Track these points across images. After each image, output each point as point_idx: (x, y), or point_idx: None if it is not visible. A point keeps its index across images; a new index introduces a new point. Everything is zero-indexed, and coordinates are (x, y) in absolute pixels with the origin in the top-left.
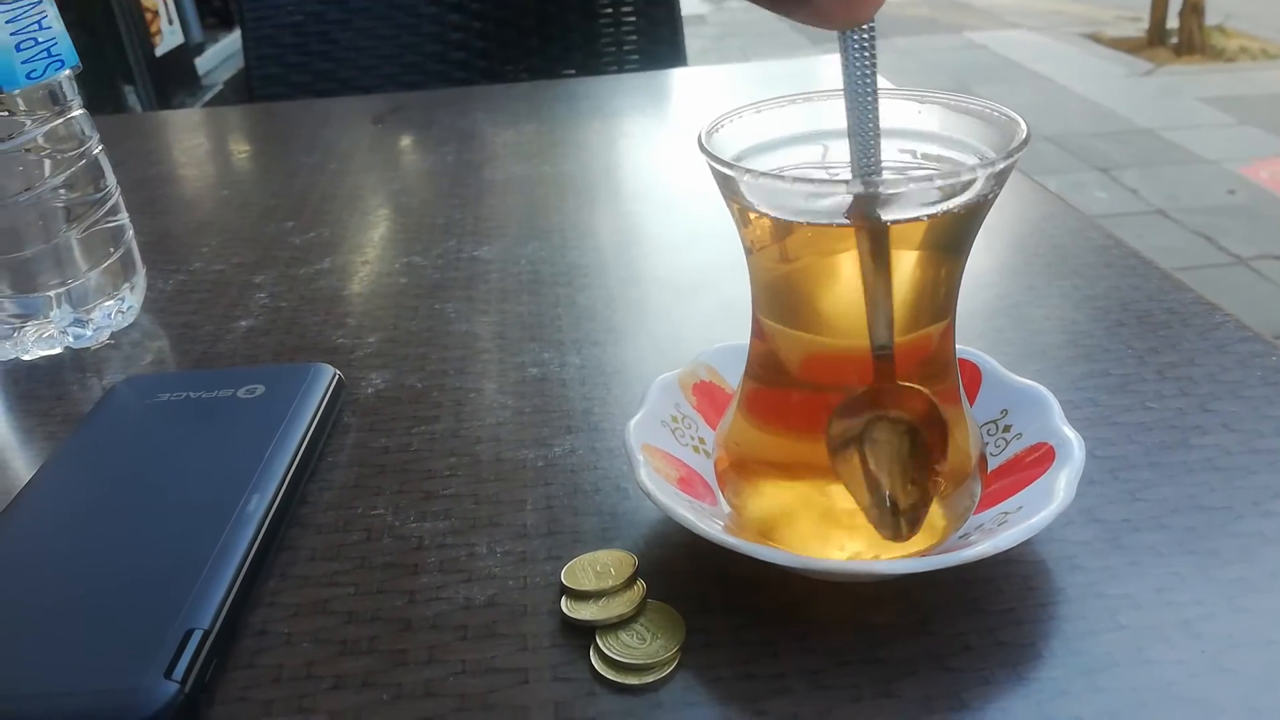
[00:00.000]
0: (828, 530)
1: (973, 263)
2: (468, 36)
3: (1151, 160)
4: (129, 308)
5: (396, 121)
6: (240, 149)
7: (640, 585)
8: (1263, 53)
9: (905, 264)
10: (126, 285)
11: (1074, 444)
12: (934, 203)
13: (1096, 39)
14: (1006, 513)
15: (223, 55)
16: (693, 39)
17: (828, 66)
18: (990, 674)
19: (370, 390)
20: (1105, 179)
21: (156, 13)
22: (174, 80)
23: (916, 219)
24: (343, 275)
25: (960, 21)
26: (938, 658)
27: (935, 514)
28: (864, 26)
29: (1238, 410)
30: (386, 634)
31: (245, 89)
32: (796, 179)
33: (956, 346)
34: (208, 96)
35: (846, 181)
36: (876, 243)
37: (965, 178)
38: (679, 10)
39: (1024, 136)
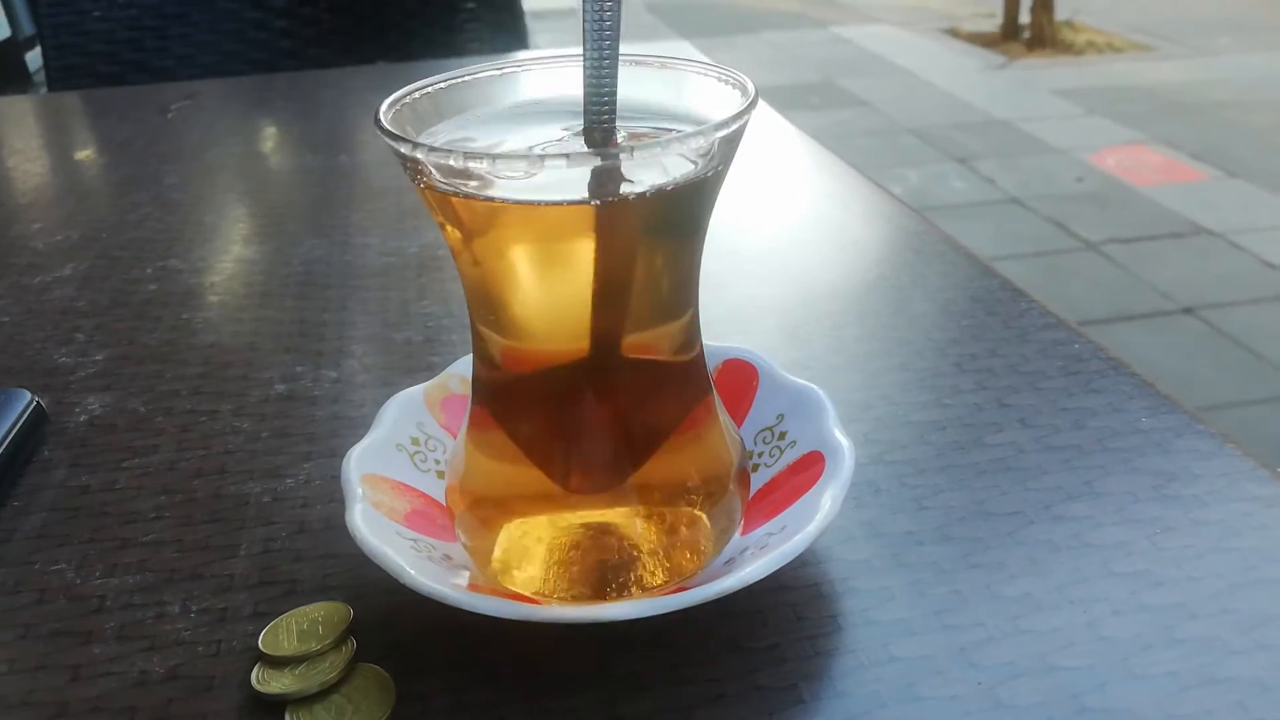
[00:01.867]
0: (574, 567)
1: (779, 253)
2: (294, 24)
3: (1007, 150)
4: None
5: (189, 111)
6: (2, 145)
7: (350, 645)
8: (1109, 46)
9: (623, 253)
10: None
11: (844, 452)
12: (654, 177)
13: (954, 34)
14: (770, 534)
15: None
16: (559, 32)
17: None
18: None
19: (84, 418)
20: (963, 169)
21: None
22: (0, 75)
23: (634, 196)
24: (83, 283)
25: (826, 17)
26: (686, 710)
27: (694, 535)
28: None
29: (1035, 404)
30: None
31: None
32: (503, 155)
33: (734, 346)
34: (41, 92)
35: (568, 154)
36: (607, 219)
37: (659, 150)
38: None
39: (751, 98)
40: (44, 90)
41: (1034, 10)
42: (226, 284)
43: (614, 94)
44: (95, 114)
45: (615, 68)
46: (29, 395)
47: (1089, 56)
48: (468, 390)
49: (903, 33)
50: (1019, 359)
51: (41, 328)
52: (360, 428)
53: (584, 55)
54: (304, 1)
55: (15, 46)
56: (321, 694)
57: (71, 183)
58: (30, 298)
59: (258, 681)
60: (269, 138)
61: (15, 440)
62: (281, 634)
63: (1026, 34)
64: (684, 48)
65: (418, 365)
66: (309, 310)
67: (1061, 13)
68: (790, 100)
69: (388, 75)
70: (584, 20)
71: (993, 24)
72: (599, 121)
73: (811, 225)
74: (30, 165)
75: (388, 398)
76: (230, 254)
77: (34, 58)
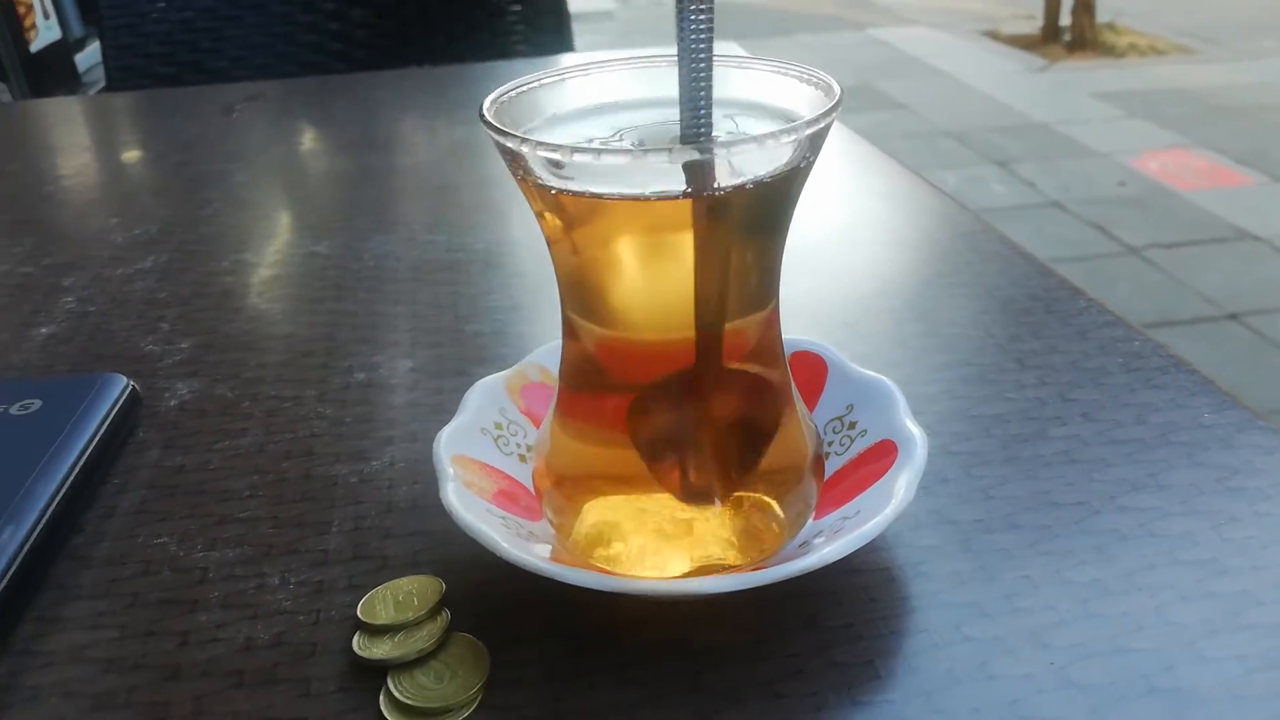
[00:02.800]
0: (654, 546)
1: (835, 251)
2: (346, 27)
3: (1047, 154)
4: None
5: (251, 111)
6: (74, 142)
7: (445, 616)
8: (1151, 49)
9: (718, 244)
10: None
11: (916, 441)
12: (743, 172)
13: (993, 36)
14: (845, 518)
15: None
16: (598, 34)
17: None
18: (822, 699)
19: (174, 402)
20: (1003, 172)
21: (30, 6)
22: (51, 77)
23: (727, 190)
24: (163, 275)
25: (863, 19)
26: (767, 683)
27: (770, 519)
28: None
29: (1097, 399)
30: (149, 684)
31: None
32: (614, 150)
33: (802, 339)
34: (89, 93)
35: (671, 149)
36: (704, 212)
37: (773, 143)
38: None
39: (837, 98)
40: (93, 90)
41: (1075, 12)
42: (301, 277)
43: (710, 99)
44: (162, 114)
45: (710, 73)
46: (125, 380)
47: (1131, 59)
48: (545, 379)
49: (941, 35)
50: (1080, 355)
51: (127, 317)
52: (439, 414)
53: (679, 62)
54: (354, 4)
55: (66, 48)
56: (420, 661)
57: (144, 180)
58: (114, 289)
59: (359, 648)
60: (330, 137)
61: (114, 422)
62: (378, 604)
63: (1067, 36)
64: (730, 48)
65: (489, 356)
66: (381, 303)
67: (1103, 15)
68: None
69: (440, 78)
70: (679, 27)
71: (1033, 26)
72: (697, 126)
73: (868, 224)
74: (103, 163)
75: (463, 387)
76: (302, 249)
77: (83, 59)
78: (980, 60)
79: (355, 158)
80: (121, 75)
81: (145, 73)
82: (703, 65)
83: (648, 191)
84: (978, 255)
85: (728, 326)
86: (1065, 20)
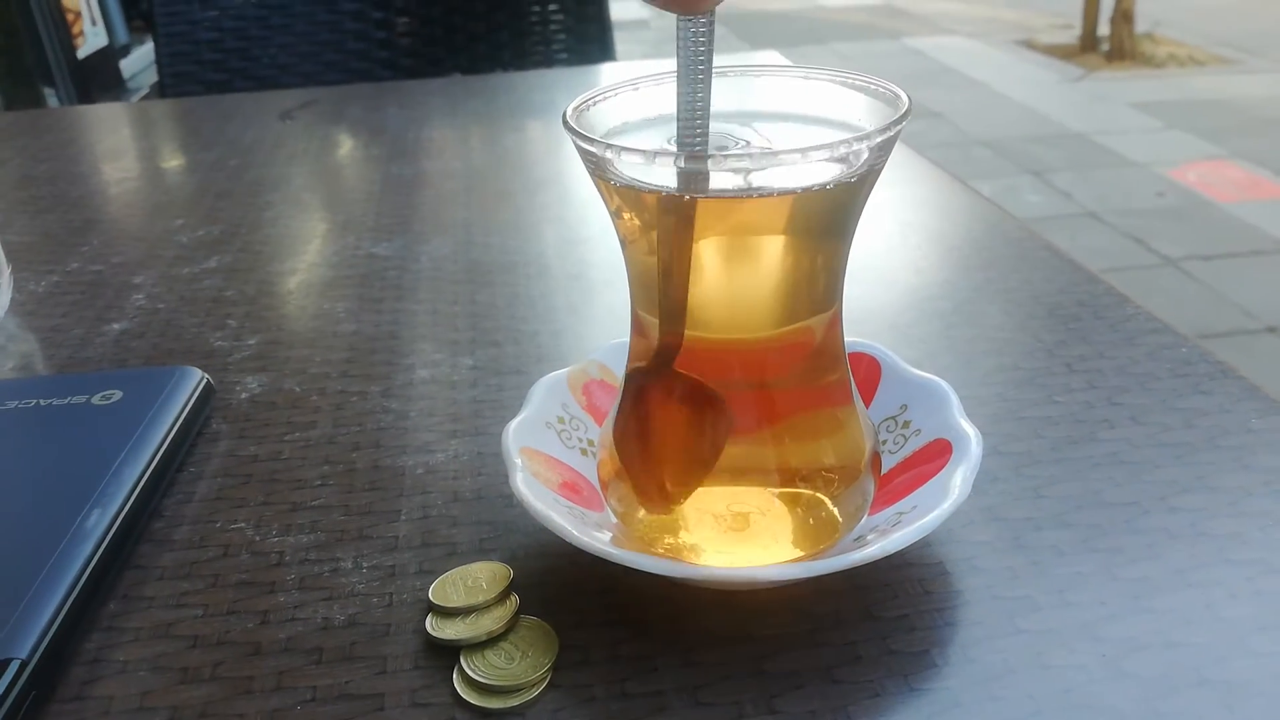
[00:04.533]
0: (716, 536)
1: (883, 257)
2: (392, 35)
3: (1083, 164)
4: None
5: (306, 117)
6: (137, 146)
7: (513, 600)
8: (1190, 59)
9: (777, 248)
10: None
11: (971, 439)
12: (807, 176)
13: (1030, 45)
14: (901, 513)
15: (149, 58)
16: (635, 44)
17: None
18: (880, 685)
19: (244, 395)
20: (1038, 182)
21: (79, 14)
22: (97, 83)
23: (787, 192)
24: (229, 275)
25: (898, 28)
26: (826, 669)
27: (827, 514)
28: (702, 18)
29: (1146, 403)
30: (232, 659)
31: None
32: (688, 154)
33: (856, 340)
34: (133, 100)
35: (751, 153)
36: (686, 217)
37: (826, 153)
38: (607, 8)
39: (904, 108)
40: (137, 97)
41: (1113, 22)
42: (362, 278)
43: (707, 115)
44: (220, 118)
45: (709, 90)
46: (199, 372)
47: (1170, 69)
48: (605, 376)
49: (976, 44)
50: (1127, 360)
51: (195, 314)
52: (500, 410)
53: (678, 77)
54: (400, 13)
55: (112, 55)
56: (491, 641)
57: (206, 183)
58: (181, 287)
59: (432, 628)
60: (385, 143)
61: (191, 413)
62: (449, 588)
63: (1105, 46)
64: (770, 56)
65: (547, 355)
66: (441, 303)
67: (1142, 25)
68: None
69: (490, 85)
70: (678, 44)
71: (1070, 35)
72: (693, 143)
73: (915, 230)
74: (165, 166)
75: (523, 384)
76: (362, 250)
77: (127, 65)
78: (1016, 69)
79: (410, 163)
80: (174, 81)
81: (197, 79)
82: (701, 84)
83: (727, 189)
84: (1025, 262)
85: (792, 327)
86: (1103, 30)
